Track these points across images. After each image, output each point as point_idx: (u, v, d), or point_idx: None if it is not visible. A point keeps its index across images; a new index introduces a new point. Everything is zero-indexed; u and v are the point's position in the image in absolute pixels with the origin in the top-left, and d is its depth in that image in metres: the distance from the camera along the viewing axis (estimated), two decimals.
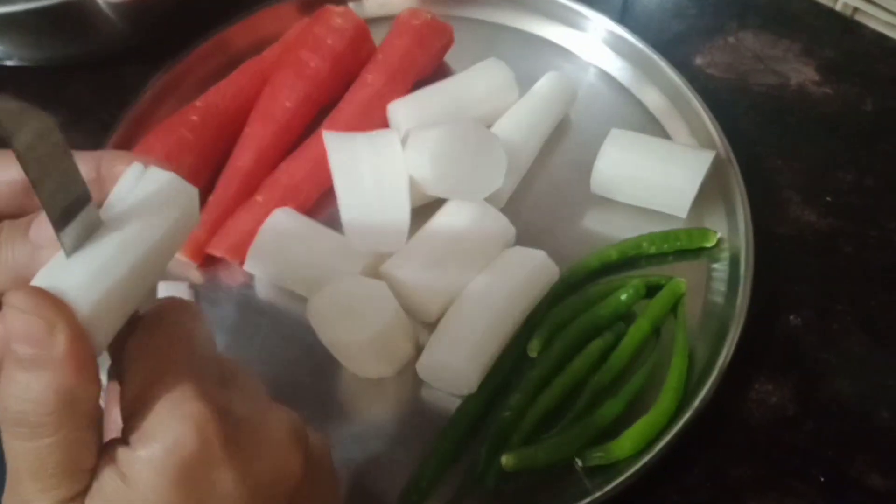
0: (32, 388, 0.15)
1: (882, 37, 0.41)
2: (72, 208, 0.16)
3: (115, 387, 0.18)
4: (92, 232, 0.17)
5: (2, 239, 0.17)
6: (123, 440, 0.17)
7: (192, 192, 0.18)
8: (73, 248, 0.16)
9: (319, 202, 0.36)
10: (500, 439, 0.29)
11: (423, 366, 0.30)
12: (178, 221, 0.18)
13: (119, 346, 0.17)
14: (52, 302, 0.15)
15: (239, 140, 0.36)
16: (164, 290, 0.33)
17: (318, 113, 0.38)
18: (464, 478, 0.29)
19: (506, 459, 0.28)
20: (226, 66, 0.39)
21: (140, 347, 0.17)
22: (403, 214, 0.32)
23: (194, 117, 0.36)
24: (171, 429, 0.16)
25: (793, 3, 0.43)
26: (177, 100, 0.38)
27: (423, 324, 0.32)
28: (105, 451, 0.17)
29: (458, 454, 0.29)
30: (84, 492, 0.16)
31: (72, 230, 0.16)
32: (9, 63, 0.41)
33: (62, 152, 0.16)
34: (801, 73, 0.40)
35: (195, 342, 0.18)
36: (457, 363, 0.29)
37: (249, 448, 0.17)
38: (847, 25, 0.42)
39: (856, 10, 0.41)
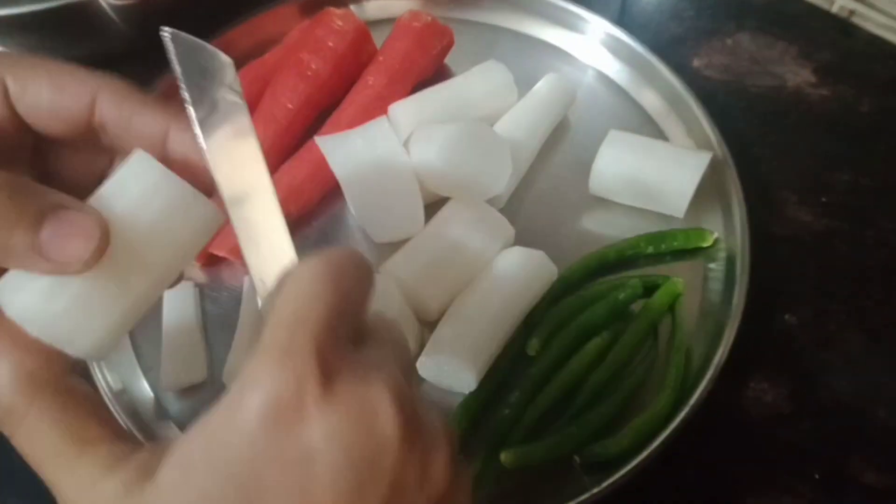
0: None
1: (878, 39, 0.41)
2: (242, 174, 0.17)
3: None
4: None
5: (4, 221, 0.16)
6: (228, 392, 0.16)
7: (217, 215, 0.18)
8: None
9: (322, 202, 0.37)
10: (500, 436, 0.29)
11: (424, 364, 0.31)
12: (195, 243, 0.18)
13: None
14: None
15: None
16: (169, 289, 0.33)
17: (319, 114, 0.38)
18: None
19: (505, 456, 0.28)
20: None
21: (279, 299, 0.16)
22: (414, 196, 0.33)
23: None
24: (273, 376, 0.15)
25: (790, 5, 0.43)
26: (180, 101, 0.39)
27: (424, 323, 0.32)
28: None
29: (459, 451, 0.30)
30: (128, 451, 0.16)
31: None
32: None
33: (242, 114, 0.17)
34: (798, 75, 0.40)
35: (333, 294, 0.16)
36: (457, 361, 0.29)
37: (341, 403, 0.15)
38: (843, 28, 0.42)
39: (852, 12, 0.42)
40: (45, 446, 0.16)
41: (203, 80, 0.16)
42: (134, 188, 0.17)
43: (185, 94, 0.17)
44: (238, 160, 0.17)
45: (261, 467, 0.15)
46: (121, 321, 0.17)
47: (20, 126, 0.18)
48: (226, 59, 0.17)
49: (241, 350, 0.31)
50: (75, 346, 0.16)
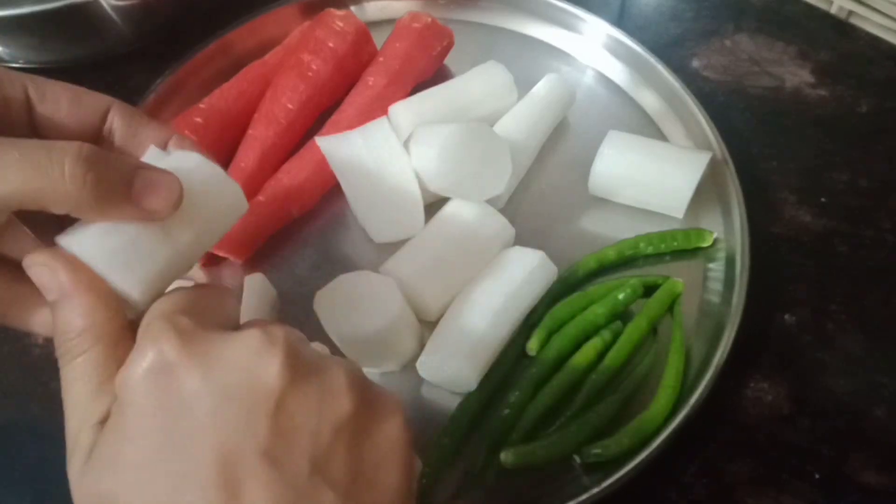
0: (58, 320, 0.18)
1: (876, 39, 0.41)
2: None
3: None
4: None
5: (110, 168, 0.19)
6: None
7: (239, 194, 0.21)
8: None
9: (323, 202, 0.37)
10: (500, 436, 0.29)
11: (424, 364, 0.31)
12: (226, 222, 0.21)
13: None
14: (50, 253, 0.19)
15: (242, 141, 0.37)
16: (169, 289, 0.33)
17: (320, 115, 0.38)
18: (464, 474, 0.29)
19: (505, 456, 0.28)
20: (229, 69, 0.39)
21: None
22: (415, 196, 0.33)
23: (198, 119, 0.36)
24: (141, 347, 0.18)
25: (788, 6, 0.43)
26: (181, 102, 0.39)
27: (424, 323, 0.32)
28: None
29: (459, 451, 0.30)
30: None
31: None
32: (14, 65, 0.42)
33: None
34: (797, 76, 0.40)
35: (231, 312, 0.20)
36: (457, 361, 0.30)
37: (213, 360, 0.18)
38: (842, 28, 0.42)
39: (850, 13, 0.42)
40: (77, 389, 0.18)
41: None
42: (182, 165, 0.20)
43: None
44: None
45: (151, 423, 0.17)
46: (164, 269, 0.19)
47: (29, 133, 0.20)
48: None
49: None
50: (124, 283, 0.19)
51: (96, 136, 0.21)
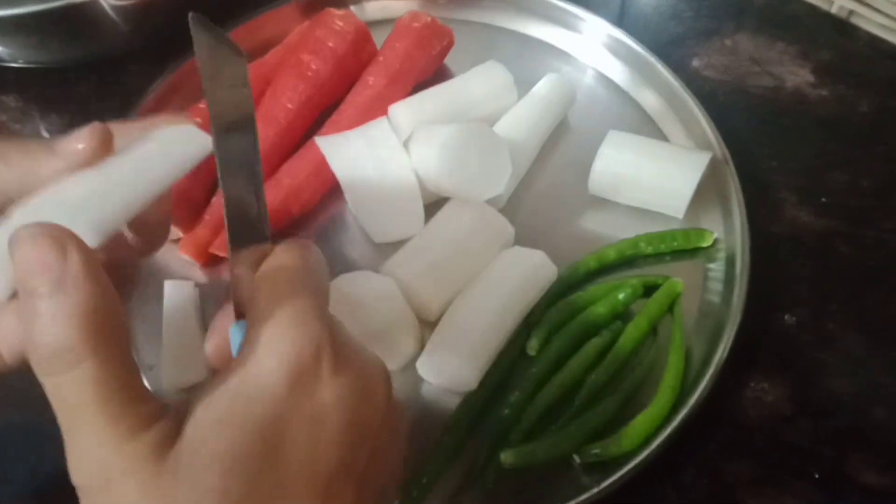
0: (59, 314, 0.15)
1: (877, 39, 0.41)
2: (235, 127, 0.18)
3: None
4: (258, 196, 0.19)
5: (32, 146, 0.18)
6: (244, 353, 0.17)
7: (206, 139, 0.20)
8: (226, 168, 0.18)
9: (323, 202, 0.37)
10: (500, 436, 0.29)
11: (424, 363, 0.31)
12: (185, 161, 0.20)
13: (246, 276, 0.19)
14: (56, 227, 0.15)
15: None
16: (170, 288, 0.33)
17: (319, 114, 0.38)
18: (464, 474, 0.29)
19: (505, 456, 0.28)
20: None
21: (269, 273, 0.18)
22: (414, 196, 0.33)
23: (197, 119, 0.35)
24: (293, 340, 0.17)
25: (789, 6, 0.43)
26: (180, 101, 0.39)
27: (424, 322, 0.32)
28: (217, 374, 0.17)
29: (459, 451, 0.30)
30: (156, 414, 0.16)
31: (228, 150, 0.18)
32: (14, 65, 0.42)
33: (246, 76, 0.18)
34: (797, 76, 0.40)
35: (316, 273, 0.19)
36: (457, 361, 0.30)
37: (349, 374, 0.18)
38: (842, 28, 0.42)
39: (851, 12, 0.42)
40: (87, 400, 0.15)
41: (218, 73, 0.18)
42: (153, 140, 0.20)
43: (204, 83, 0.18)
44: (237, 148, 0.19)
45: (283, 422, 0.16)
46: (117, 208, 0.18)
47: None
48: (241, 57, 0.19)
49: None
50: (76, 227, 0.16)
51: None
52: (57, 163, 0.18)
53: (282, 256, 0.19)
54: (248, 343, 0.17)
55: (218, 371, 0.17)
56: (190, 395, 0.17)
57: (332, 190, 0.36)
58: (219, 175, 0.19)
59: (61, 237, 0.15)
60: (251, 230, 0.19)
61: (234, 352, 0.18)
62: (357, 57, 0.39)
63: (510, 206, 0.36)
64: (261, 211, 0.19)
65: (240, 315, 0.19)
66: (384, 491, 0.19)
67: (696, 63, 0.41)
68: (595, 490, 0.27)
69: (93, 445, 0.15)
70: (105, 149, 0.19)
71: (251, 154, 0.19)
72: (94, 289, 0.15)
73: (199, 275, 0.35)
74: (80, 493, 0.16)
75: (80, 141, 0.18)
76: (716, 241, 0.34)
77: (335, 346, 0.17)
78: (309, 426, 0.17)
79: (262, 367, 0.16)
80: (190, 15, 0.18)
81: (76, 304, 0.15)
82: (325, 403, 0.17)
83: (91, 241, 0.16)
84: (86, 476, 0.16)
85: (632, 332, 0.31)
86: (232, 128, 0.18)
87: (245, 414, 0.16)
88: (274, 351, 0.17)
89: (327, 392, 0.17)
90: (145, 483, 0.15)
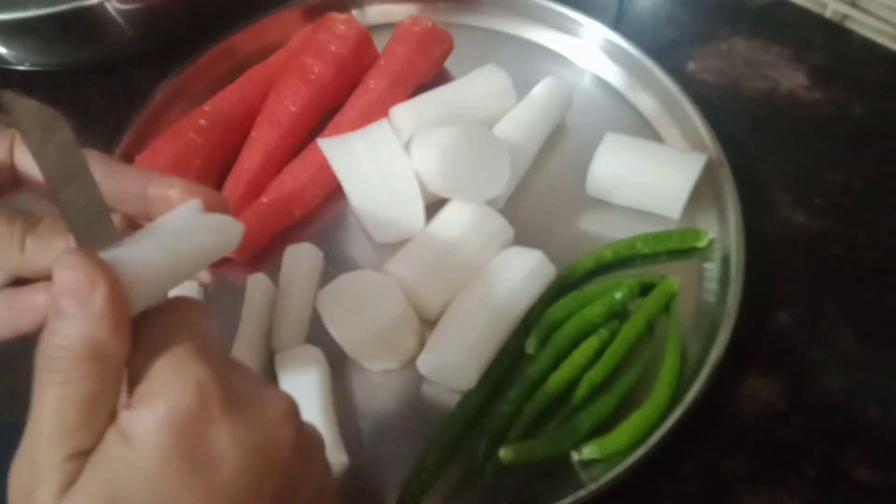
0: (68, 335, 0.17)
1: (870, 42, 0.42)
2: (90, 214, 0.18)
3: None
4: (109, 242, 0.18)
5: (40, 230, 0.19)
6: (127, 406, 0.17)
7: (240, 227, 0.21)
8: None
9: (325, 203, 0.37)
10: (499, 433, 0.30)
11: (424, 362, 0.31)
12: (221, 245, 0.20)
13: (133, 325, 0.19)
14: (98, 263, 0.17)
15: (245, 143, 0.37)
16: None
17: (321, 117, 0.39)
18: (463, 471, 0.30)
19: (504, 453, 0.29)
20: (233, 72, 0.40)
21: (151, 321, 0.18)
22: (415, 198, 0.33)
23: (202, 121, 0.36)
24: (173, 387, 0.17)
25: (783, 10, 0.43)
26: (185, 104, 0.39)
27: (424, 321, 0.33)
28: (111, 418, 0.17)
29: (458, 448, 0.30)
30: (90, 451, 0.17)
31: (87, 235, 0.18)
32: (20, 68, 0.42)
33: (80, 162, 0.17)
34: (792, 78, 0.41)
35: (201, 327, 0.19)
36: (457, 360, 0.30)
37: (245, 414, 0.18)
38: (836, 32, 0.42)
39: (845, 16, 0.42)
40: (60, 412, 0.17)
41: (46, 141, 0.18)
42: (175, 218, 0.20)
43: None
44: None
45: (171, 472, 0.17)
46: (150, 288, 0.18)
47: (9, 176, 0.21)
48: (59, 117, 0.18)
49: (243, 350, 0.31)
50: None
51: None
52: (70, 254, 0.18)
53: (163, 309, 0.19)
54: (134, 394, 0.17)
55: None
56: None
57: (333, 191, 0.37)
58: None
59: (95, 275, 0.17)
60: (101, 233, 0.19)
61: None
62: (359, 60, 0.39)
63: (509, 207, 0.36)
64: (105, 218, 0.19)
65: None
66: None
67: (691, 66, 0.42)
68: (593, 486, 0.28)
69: (36, 452, 0.17)
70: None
71: (93, 195, 0.18)
72: (109, 323, 0.17)
73: (203, 274, 0.35)
74: (9, 495, 0.17)
75: None
76: (711, 241, 0.35)
77: (224, 386, 0.17)
78: (202, 471, 0.17)
79: (146, 419, 0.17)
80: (1, 94, 0.17)
81: (87, 334, 0.17)
82: (219, 444, 0.17)
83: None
84: (16, 477, 0.17)
85: (629, 331, 0.32)
86: (69, 180, 0.18)
87: (122, 481, 0.16)
88: (156, 402, 0.17)
89: (222, 431, 0.17)
90: (50, 502, 0.16)
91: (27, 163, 0.20)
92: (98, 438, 0.17)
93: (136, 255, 0.18)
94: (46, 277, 0.19)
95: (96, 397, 0.17)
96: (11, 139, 0.20)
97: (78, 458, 0.17)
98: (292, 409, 0.19)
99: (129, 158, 0.36)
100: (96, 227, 0.18)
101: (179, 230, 0.19)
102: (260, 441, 0.18)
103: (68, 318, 0.17)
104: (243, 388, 0.18)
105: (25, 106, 0.16)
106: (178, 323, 0.18)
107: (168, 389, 0.17)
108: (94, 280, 0.17)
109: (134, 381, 0.18)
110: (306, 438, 0.19)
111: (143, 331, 0.18)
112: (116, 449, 0.17)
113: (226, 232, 0.20)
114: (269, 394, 0.19)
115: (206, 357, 0.18)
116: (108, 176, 0.20)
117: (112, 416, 0.17)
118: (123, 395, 0.18)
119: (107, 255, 0.17)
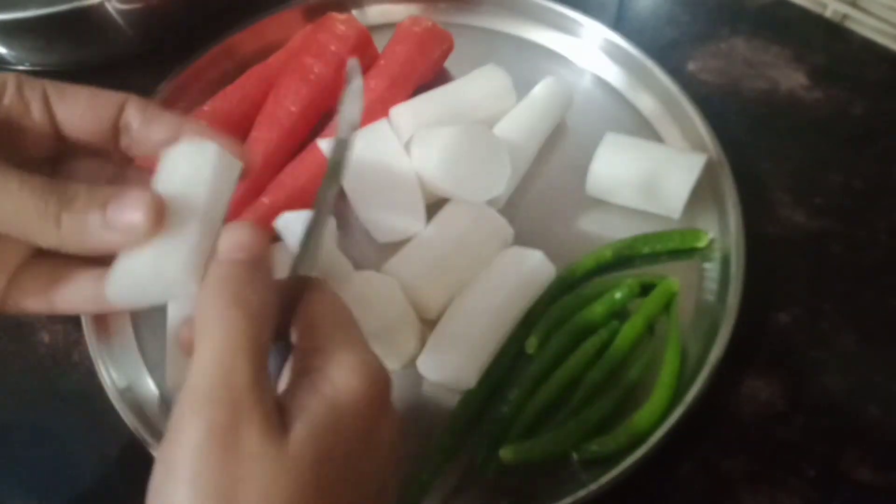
0: (261, 284, 0.19)
1: (870, 42, 0.42)
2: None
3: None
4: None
5: (77, 207, 0.19)
6: (320, 371, 0.19)
7: (236, 164, 0.22)
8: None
9: None
10: (499, 433, 0.30)
11: (424, 362, 0.31)
12: (229, 189, 0.21)
13: (296, 298, 0.21)
14: (263, 237, 0.19)
15: (245, 143, 0.37)
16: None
17: (322, 117, 0.39)
18: (464, 470, 0.30)
19: (504, 453, 0.29)
20: (232, 72, 0.40)
21: (323, 300, 0.20)
22: (416, 198, 0.33)
23: (202, 121, 0.36)
24: (371, 368, 0.19)
25: (783, 10, 0.43)
26: (185, 104, 0.39)
27: (424, 321, 0.33)
28: (307, 383, 0.19)
29: (458, 447, 0.30)
30: (273, 398, 0.18)
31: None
32: (20, 67, 0.42)
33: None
34: (792, 79, 0.41)
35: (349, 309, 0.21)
36: (457, 360, 0.30)
37: (395, 417, 0.20)
38: (836, 32, 0.42)
39: (845, 16, 0.42)
40: (245, 338, 0.18)
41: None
42: (181, 164, 0.21)
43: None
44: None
45: (364, 435, 0.19)
46: (197, 257, 0.20)
47: (52, 131, 0.21)
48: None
49: None
50: (162, 295, 0.20)
51: (113, 130, 0.21)
52: (111, 237, 0.19)
53: (326, 290, 0.21)
54: (323, 363, 0.19)
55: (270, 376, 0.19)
56: (281, 399, 0.18)
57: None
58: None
59: (265, 248, 0.19)
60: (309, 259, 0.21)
61: (272, 368, 0.20)
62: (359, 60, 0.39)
63: (509, 207, 0.36)
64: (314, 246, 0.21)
65: (278, 337, 0.20)
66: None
67: (691, 66, 0.42)
68: (593, 486, 0.28)
69: (233, 367, 0.17)
70: (160, 224, 0.19)
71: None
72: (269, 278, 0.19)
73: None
74: (185, 391, 0.17)
75: (135, 213, 0.19)
76: (711, 241, 0.35)
77: (391, 388, 0.20)
78: (375, 447, 0.19)
79: (350, 384, 0.19)
80: None
81: (266, 281, 0.19)
82: (382, 434, 0.19)
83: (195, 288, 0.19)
84: (208, 382, 0.17)
85: (629, 331, 0.32)
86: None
87: (339, 423, 0.18)
88: (357, 373, 0.19)
89: (385, 424, 0.20)
90: (264, 453, 0.17)
91: (69, 118, 0.20)
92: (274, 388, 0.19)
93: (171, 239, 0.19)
94: (87, 254, 0.19)
95: (267, 340, 0.18)
96: (43, 91, 0.20)
97: (275, 403, 0.18)
98: (399, 421, 0.21)
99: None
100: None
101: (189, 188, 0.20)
102: (396, 447, 0.20)
103: (242, 264, 0.19)
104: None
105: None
106: (336, 304, 0.21)
107: (368, 370, 0.19)
108: (265, 255, 0.19)
109: (311, 355, 0.19)
110: (396, 450, 0.21)
111: (316, 303, 0.20)
112: (326, 413, 0.18)
113: (226, 162, 0.21)
114: (390, 397, 0.21)
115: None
116: (148, 120, 0.21)
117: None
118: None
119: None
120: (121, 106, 0.21)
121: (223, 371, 0.17)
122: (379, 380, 0.19)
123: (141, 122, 0.21)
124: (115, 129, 0.22)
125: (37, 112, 0.20)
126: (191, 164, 0.20)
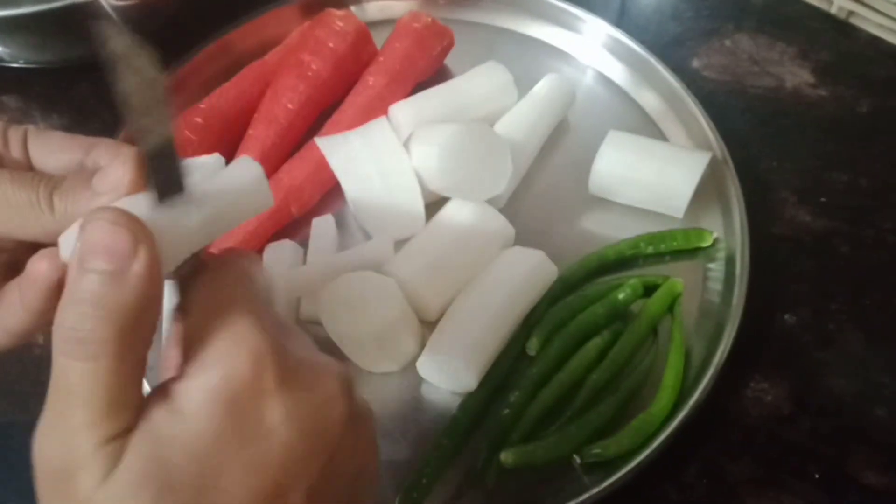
0: (105, 303, 0.15)
1: (876, 39, 0.41)
2: (160, 152, 0.16)
3: (174, 328, 0.18)
4: (177, 186, 0.17)
5: (65, 187, 0.18)
6: (178, 376, 0.16)
7: (269, 198, 0.19)
8: (157, 194, 0.17)
9: (323, 202, 0.37)
10: (500, 436, 0.29)
11: (424, 364, 0.31)
12: (252, 203, 0.19)
13: (185, 286, 0.17)
14: (138, 221, 0.15)
15: (242, 141, 0.37)
16: (169, 290, 0.33)
17: (320, 115, 0.38)
18: (464, 474, 0.29)
19: (505, 456, 0.28)
20: (229, 69, 0.39)
21: (205, 284, 0.17)
22: (415, 197, 0.33)
23: (198, 119, 0.36)
24: (229, 357, 0.16)
25: (788, 6, 0.43)
26: (181, 101, 0.39)
27: (424, 322, 0.32)
28: (157, 389, 0.16)
29: (459, 451, 0.30)
30: (129, 430, 0.16)
31: (156, 172, 0.16)
32: (15, 65, 0.42)
33: (162, 95, 0.16)
34: (797, 76, 0.41)
35: (256, 284, 0.18)
36: (457, 361, 0.30)
37: (300, 387, 0.17)
38: (842, 28, 0.42)
39: (850, 13, 0.42)
40: (86, 392, 0.15)
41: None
42: (226, 169, 0.19)
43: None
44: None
45: (222, 446, 0.16)
46: (174, 248, 0.17)
47: (28, 167, 0.20)
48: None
49: None
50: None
51: (80, 170, 0.20)
52: (97, 201, 0.18)
53: (217, 267, 0.17)
54: (187, 362, 0.16)
55: (155, 395, 0.16)
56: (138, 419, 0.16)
57: (332, 190, 0.36)
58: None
59: (139, 234, 0.15)
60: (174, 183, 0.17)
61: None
62: (357, 57, 0.39)
63: (510, 206, 0.36)
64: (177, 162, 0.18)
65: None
66: (355, 494, 0.18)
67: (695, 63, 0.41)
68: (595, 490, 0.28)
69: (69, 433, 0.15)
70: (142, 180, 0.17)
71: (168, 132, 0.16)
72: (146, 293, 0.15)
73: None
74: (37, 471, 0.16)
75: (117, 172, 0.17)
76: (715, 241, 0.34)
77: (280, 356, 0.16)
78: (255, 446, 0.16)
79: (197, 388, 0.16)
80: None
81: (122, 303, 0.15)
82: (272, 418, 0.16)
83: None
84: (48, 457, 0.16)
85: (632, 333, 0.31)
86: (148, 111, 0.16)
87: (170, 455, 0.15)
88: (209, 370, 0.16)
89: (274, 405, 0.16)
90: (93, 487, 0.15)
91: (42, 157, 0.20)
92: (137, 414, 0.16)
93: (168, 215, 0.16)
94: None
95: (132, 372, 0.15)
96: (24, 134, 0.20)
97: (118, 438, 0.15)
98: (347, 382, 0.18)
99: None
100: (166, 165, 0.16)
101: (211, 189, 0.18)
102: (313, 416, 0.17)
103: (106, 281, 0.15)
104: (298, 357, 0.17)
105: (121, 38, 0.16)
106: (234, 280, 0.17)
107: (222, 359, 0.16)
108: (137, 241, 0.15)
109: (187, 347, 0.16)
110: (357, 414, 0.18)
111: (197, 291, 0.17)
112: (164, 423, 0.16)
113: (256, 186, 0.19)
114: (325, 365, 0.18)
115: (262, 324, 0.16)
116: (112, 159, 0.19)
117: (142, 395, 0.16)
118: (172, 360, 0.17)
119: (143, 215, 0.16)
120: (88, 149, 0.20)
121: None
122: (249, 367, 0.16)
123: (107, 160, 0.19)
124: (85, 164, 0.20)
125: (15, 150, 0.20)
126: (232, 170, 0.19)
